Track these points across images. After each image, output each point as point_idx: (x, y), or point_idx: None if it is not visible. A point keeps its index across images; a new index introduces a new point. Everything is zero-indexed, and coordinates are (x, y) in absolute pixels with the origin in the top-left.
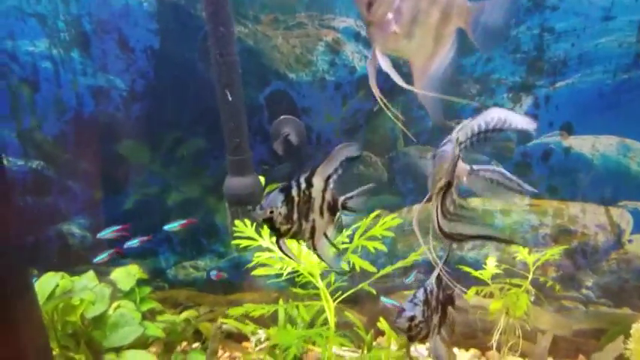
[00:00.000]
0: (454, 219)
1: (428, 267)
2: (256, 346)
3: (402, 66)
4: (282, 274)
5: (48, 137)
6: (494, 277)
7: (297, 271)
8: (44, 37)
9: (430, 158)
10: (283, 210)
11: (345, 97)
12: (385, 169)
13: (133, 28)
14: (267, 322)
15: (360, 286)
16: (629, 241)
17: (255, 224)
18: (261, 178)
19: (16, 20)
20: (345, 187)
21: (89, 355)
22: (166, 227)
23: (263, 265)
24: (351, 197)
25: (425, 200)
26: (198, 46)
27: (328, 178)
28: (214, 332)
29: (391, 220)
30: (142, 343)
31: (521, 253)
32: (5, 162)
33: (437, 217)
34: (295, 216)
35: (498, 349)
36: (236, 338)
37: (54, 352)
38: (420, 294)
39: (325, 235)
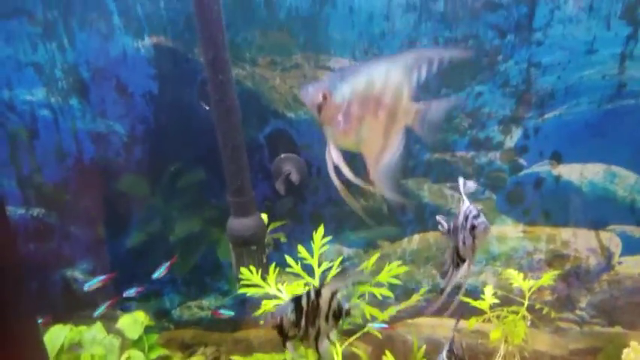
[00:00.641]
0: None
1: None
2: None
3: None
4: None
5: (48, 184)
6: (493, 304)
7: None
8: (42, 85)
9: (464, 228)
10: (292, 317)
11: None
12: (384, 201)
13: (131, 74)
14: None
15: (366, 328)
16: (619, 262)
17: (260, 271)
18: (264, 216)
19: (13, 70)
20: (348, 219)
21: None
22: (154, 275)
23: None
24: (355, 306)
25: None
26: (197, 90)
27: (336, 291)
28: None
29: (397, 267)
30: None
31: (516, 280)
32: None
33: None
34: (303, 322)
35: None
36: None
37: None
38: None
39: (328, 337)
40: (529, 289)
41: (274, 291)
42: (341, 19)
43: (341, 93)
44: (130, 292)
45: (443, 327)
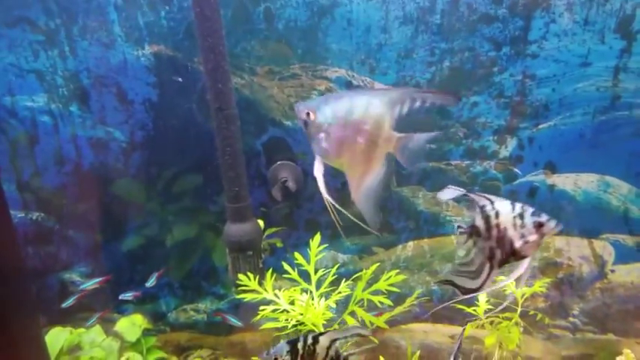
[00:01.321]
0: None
1: (424, 302)
2: None
3: None
4: (286, 326)
5: (47, 188)
6: (487, 311)
7: (302, 323)
8: (43, 92)
9: (523, 227)
10: (287, 359)
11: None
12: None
13: (131, 82)
14: None
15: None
16: (612, 271)
17: (258, 277)
18: (261, 222)
19: (15, 77)
20: (345, 227)
21: None
22: (147, 284)
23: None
24: (353, 354)
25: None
26: (196, 98)
27: (335, 340)
28: None
29: (395, 275)
30: None
31: (510, 287)
32: None
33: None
34: None
35: None
36: None
37: None
38: None
39: None
40: (522, 296)
41: (271, 296)
42: (339, 30)
43: (323, 114)
44: (127, 296)
45: (436, 332)
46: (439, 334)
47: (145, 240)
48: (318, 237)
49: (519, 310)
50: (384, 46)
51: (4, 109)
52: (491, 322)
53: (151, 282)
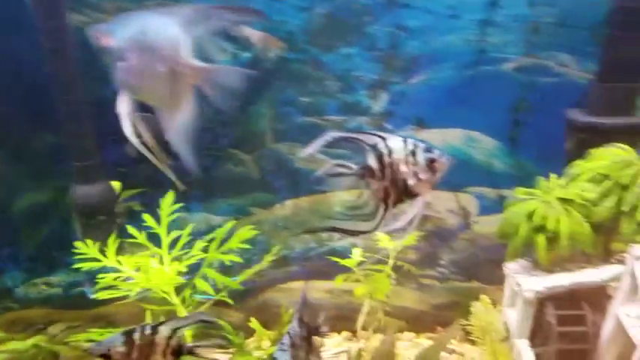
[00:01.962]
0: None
1: (301, 260)
2: None
3: None
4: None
5: None
6: (361, 264)
7: (149, 289)
8: None
9: (415, 164)
10: (122, 349)
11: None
12: (255, 167)
13: None
14: None
15: (217, 296)
16: (476, 222)
17: (100, 242)
18: (116, 183)
19: None
20: (219, 187)
21: None
22: None
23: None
24: (199, 346)
25: None
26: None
27: (178, 329)
28: (69, 356)
29: (247, 231)
30: None
31: (383, 242)
32: None
33: None
34: (135, 356)
35: (365, 329)
36: None
37: None
38: (286, 340)
39: None
40: (395, 250)
41: (113, 263)
42: None
43: (121, 37)
44: None
45: (314, 289)
46: (317, 290)
47: None
48: (171, 195)
49: (391, 262)
50: None
51: None
52: (367, 276)
53: None
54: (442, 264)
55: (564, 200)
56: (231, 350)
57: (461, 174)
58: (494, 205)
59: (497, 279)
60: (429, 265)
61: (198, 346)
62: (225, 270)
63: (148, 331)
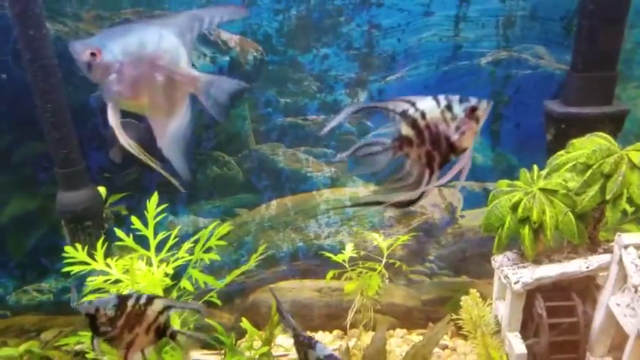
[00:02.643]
0: None
1: (290, 259)
2: None
3: None
4: None
5: None
6: (351, 261)
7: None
8: None
9: (454, 119)
10: (111, 313)
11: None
12: (239, 168)
13: None
14: None
15: (206, 297)
16: (462, 216)
17: (87, 247)
18: (102, 189)
19: None
20: (204, 190)
21: None
22: None
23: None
24: (183, 333)
25: None
26: (11, 49)
27: (170, 307)
28: None
29: (223, 229)
30: None
31: (376, 240)
32: None
33: None
34: (120, 323)
35: (355, 327)
36: None
37: None
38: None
39: (142, 352)
40: (387, 248)
41: (102, 266)
42: None
43: (111, 52)
44: None
45: (304, 288)
46: (307, 289)
47: None
48: (155, 197)
49: (384, 260)
50: None
51: None
52: (359, 274)
53: None
54: (430, 259)
55: (547, 191)
56: (221, 351)
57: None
58: (478, 198)
59: (485, 273)
60: (418, 261)
61: (182, 333)
62: (215, 271)
63: (142, 301)
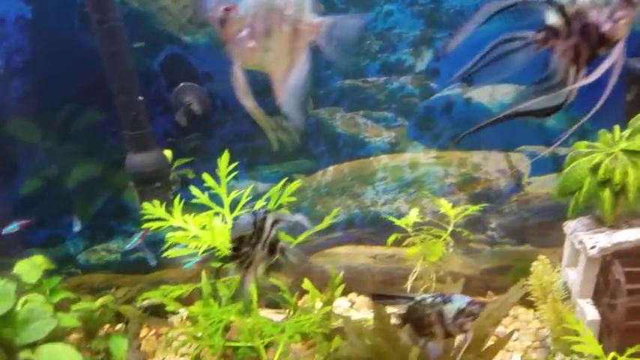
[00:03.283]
0: None
1: (345, 225)
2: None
3: None
4: (197, 253)
5: None
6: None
7: (214, 248)
8: None
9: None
10: (249, 232)
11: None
12: (297, 133)
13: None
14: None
15: (275, 257)
16: (528, 183)
17: (165, 203)
18: (168, 152)
19: None
20: (261, 153)
21: (2, 354)
22: (5, 230)
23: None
24: (289, 247)
25: None
26: (77, 13)
27: (277, 221)
28: (133, 315)
29: (295, 184)
30: (59, 335)
31: (444, 207)
32: None
33: None
34: (253, 241)
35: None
36: (162, 314)
37: None
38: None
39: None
40: (455, 216)
41: (180, 223)
42: None
43: (245, 4)
44: (12, 227)
45: (359, 254)
46: (362, 255)
47: (44, 182)
48: (226, 155)
49: (450, 228)
50: None
51: None
52: (422, 240)
53: (11, 227)
54: (492, 227)
55: (630, 152)
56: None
57: (512, 132)
58: (547, 164)
59: (550, 242)
60: (478, 229)
61: (289, 249)
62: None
63: (260, 217)
